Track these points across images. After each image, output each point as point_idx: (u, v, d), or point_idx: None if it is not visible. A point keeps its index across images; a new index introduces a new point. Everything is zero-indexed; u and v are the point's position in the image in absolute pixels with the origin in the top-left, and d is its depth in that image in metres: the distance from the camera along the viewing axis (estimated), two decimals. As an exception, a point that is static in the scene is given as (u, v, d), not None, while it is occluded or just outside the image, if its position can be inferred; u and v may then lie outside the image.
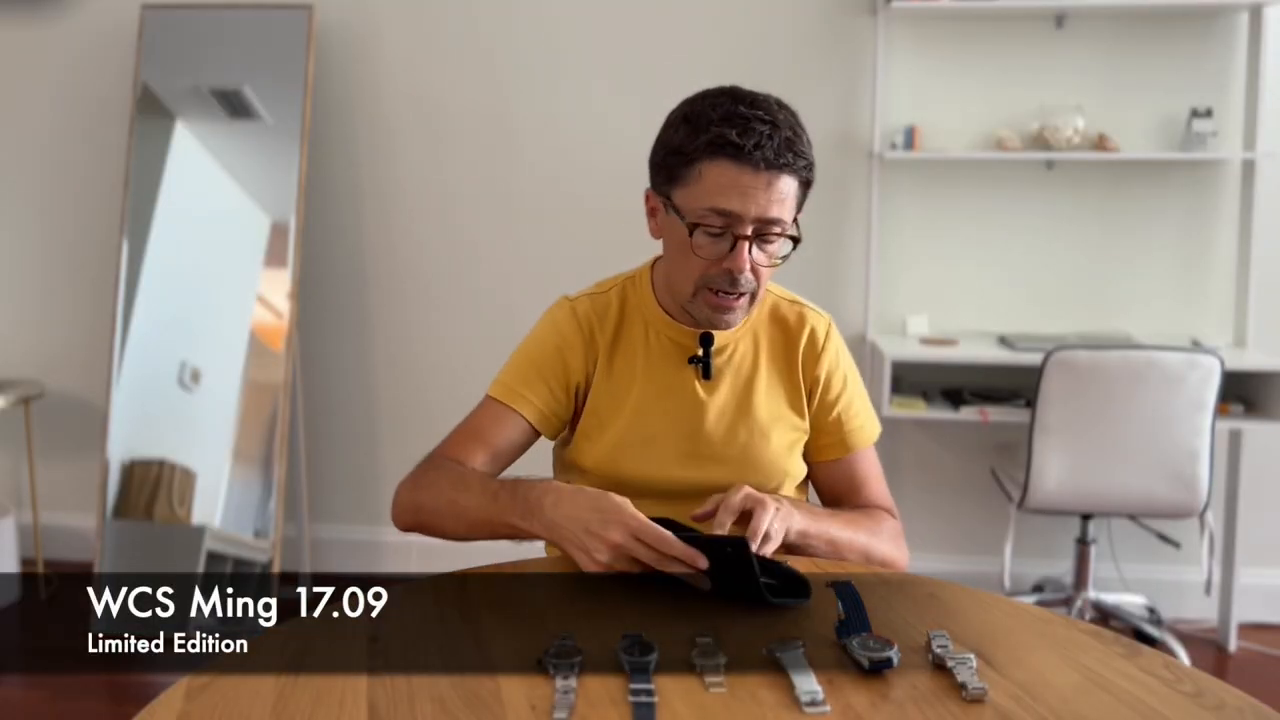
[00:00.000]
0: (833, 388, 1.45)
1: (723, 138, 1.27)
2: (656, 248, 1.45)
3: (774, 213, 1.28)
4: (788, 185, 1.29)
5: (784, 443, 1.44)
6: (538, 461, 1.52)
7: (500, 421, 1.42)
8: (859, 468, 1.48)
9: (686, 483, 1.40)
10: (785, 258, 1.33)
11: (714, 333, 1.40)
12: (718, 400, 1.42)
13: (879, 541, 1.36)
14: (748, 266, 1.30)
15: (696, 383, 1.42)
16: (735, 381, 1.43)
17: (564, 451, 1.49)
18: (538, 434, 1.45)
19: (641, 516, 1.14)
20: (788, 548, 1.28)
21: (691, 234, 1.30)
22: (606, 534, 1.14)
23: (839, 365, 1.46)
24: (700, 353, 1.41)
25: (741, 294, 1.33)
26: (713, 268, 1.31)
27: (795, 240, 1.31)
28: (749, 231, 1.29)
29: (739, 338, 1.43)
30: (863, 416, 1.48)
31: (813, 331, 1.45)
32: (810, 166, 1.31)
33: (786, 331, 1.45)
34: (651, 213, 1.39)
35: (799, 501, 1.32)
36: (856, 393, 1.48)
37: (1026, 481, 2.68)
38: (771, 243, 1.31)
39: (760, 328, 1.45)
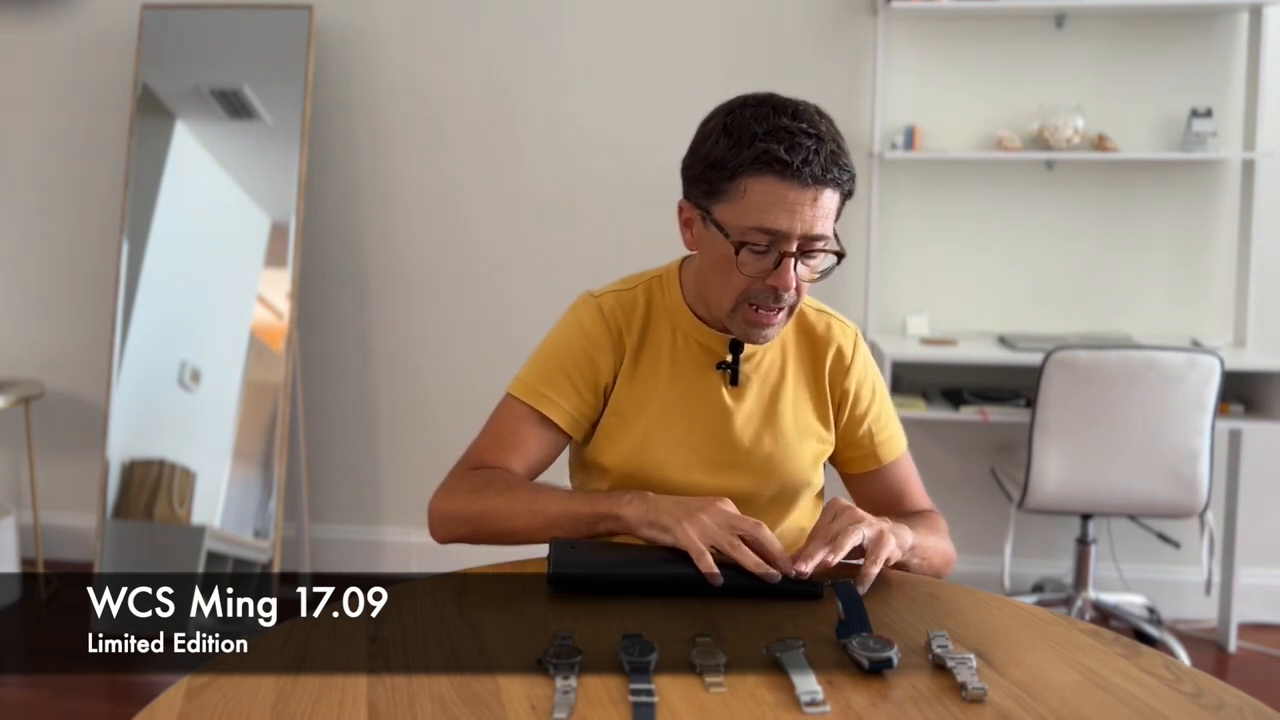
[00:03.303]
0: (862, 401, 1.44)
1: (769, 154, 1.23)
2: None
3: (819, 228, 1.26)
4: (831, 200, 1.26)
5: (809, 454, 1.42)
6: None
7: (531, 427, 1.39)
8: (901, 477, 1.47)
9: (711, 489, 1.38)
10: (827, 272, 1.30)
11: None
12: (744, 408, 1.40)
13: (945, 544, 1.36)
14: (794, 284, 1.27)
15: (723, 389, 1.40)
16: (762, 390, 1.41)
17: (583, 450, 1.46)
18: (569, 438, 1.43)
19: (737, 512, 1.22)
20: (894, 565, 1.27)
21: (738, 253, 1.27)
22: (708, 510, 1.20)
23: (867, 378, 1.45)
24: (729, 359, 1.39)
25: (781, 308, 1.31)
26: (756, 284, 1.28)
27: (840, 255, 1.29)
28: (794, 248, 1.26)
29: (767, 346, 1.41)
30: (892, 426, 1.47)
31: (840, 344, 1.43)
32: (853, 179, 1.28)
33: (814, 342, 1.43)
34: (687, 224, 1.35)
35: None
36: (885, 404, 1.47)
37: (1026, 481, 2.68)
38: (815, 258, 1.28)
39: (788, 337, 1.43)
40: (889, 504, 1.46)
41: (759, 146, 1.23)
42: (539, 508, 1.29)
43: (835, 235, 1.29)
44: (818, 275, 1.30)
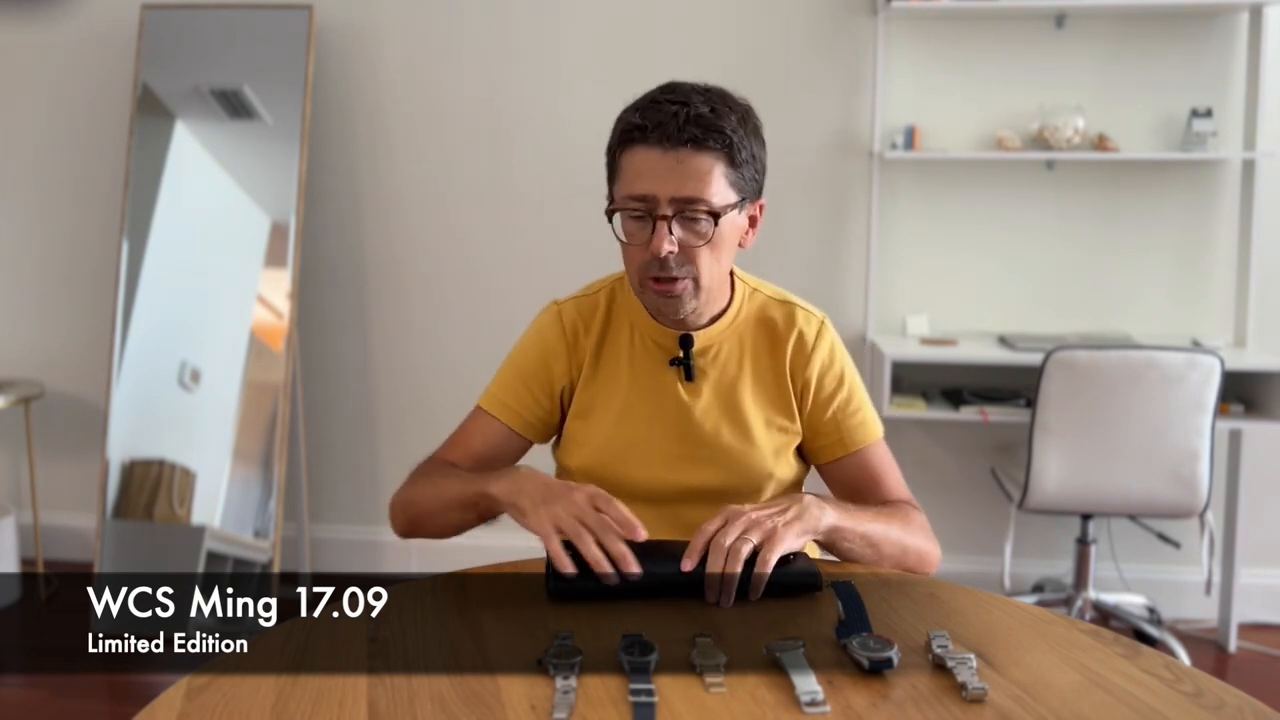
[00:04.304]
0: (825, 388, 1.41)
1: (630, 124, 1.29)
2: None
3: (689, 191, 1.27)
4: (703, 162, 1.27)
5: (771, 445, 1.40)
6: (539, 468, 1.53)
7: (487, 431, 1.45)
8: (870, 464, 1.42)
9: (674, 485, 1.39)
10: (709, 240, 1.29)
11: (694, 334, 1.39)
12: (701, 402, 1.40)
13: (912, 536, 1.31)
14: (665, 246, 1.28)
15: (679, 385, 1.40)
16: (719, 383, 1.40)
17: (554, 455, 1.51)
18: (528, 441, 1.46)
19: (606, 495, 1.19)
20: (822, 546, 1.26)
21: (610, 219, 1.32)
22: (563, 499, 1.18)
23: (832, 365, 1.42)
24: (680, 354, 1.40)
25: (680, 279, 1.31)
26: (645, 254, 1.30)
27: (715, 216, 1.28)
28: (667, 212, 1.28)
29: (723, 339, 1.41)
30: (862, 413, 1.43)
31: (801, 332, 1.41)
32: (731, 144, 1.27)
33: (774, 333, 1.42)
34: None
35: (827, 497, 1.28)
36: (854, 390, 1.43)
37: (1026, 481, 2.68)
38: (697, 221, 1.29)
39: (746, 329, 1.42)
40: (860, 493, 1.41)
41: (624, 121, 1.30)
42: (441, 491, 1.35)
43: (743, 205, 1.31)
44: (707, 240, 1.29)
